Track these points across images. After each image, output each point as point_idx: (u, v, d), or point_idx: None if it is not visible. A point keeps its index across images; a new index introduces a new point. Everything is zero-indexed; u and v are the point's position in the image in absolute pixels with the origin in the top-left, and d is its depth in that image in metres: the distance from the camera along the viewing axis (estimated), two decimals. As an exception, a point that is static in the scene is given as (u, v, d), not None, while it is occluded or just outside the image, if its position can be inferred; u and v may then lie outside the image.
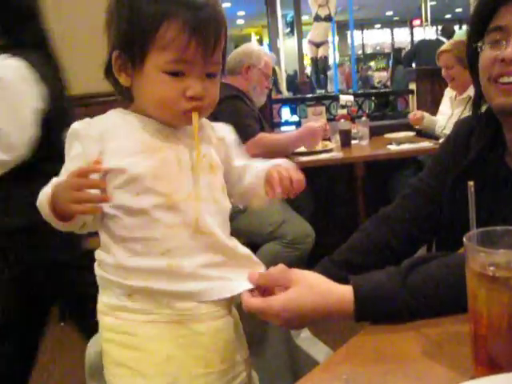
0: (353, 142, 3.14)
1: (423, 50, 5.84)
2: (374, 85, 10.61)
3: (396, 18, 16.93)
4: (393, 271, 0.81)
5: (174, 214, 0.82)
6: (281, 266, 0.87)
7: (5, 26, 1.51)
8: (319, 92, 8.01)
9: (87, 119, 0.85)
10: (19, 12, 1.52)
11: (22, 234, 1.50)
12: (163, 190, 0.82)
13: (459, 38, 4.22)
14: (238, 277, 0.86)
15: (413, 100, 4.16)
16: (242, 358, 0.91)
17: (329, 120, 3.39)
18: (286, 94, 8.10)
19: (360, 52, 16.12)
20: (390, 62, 10.70)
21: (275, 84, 5.76)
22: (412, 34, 15.93)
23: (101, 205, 0.80)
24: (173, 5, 0.79)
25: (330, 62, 9.43)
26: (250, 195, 0.97)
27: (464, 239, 0.61)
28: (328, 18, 8.09)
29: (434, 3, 12.63)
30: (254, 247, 1.85)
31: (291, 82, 10.34)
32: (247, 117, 2.53)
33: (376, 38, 17.92)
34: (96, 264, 0.87)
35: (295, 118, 4.34)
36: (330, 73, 9.25)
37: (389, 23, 17.47)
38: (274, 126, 3.94)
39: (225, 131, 0.96)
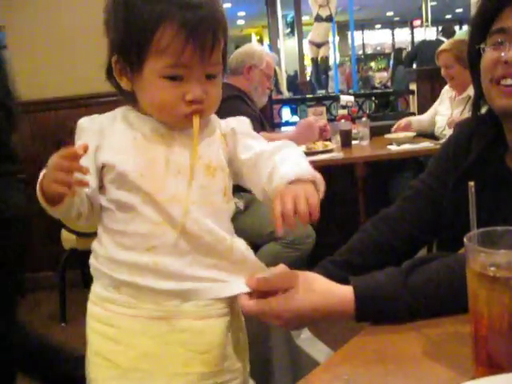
0: (353, 142, 3.14)
1: (424, 51, 5.84)
2: (374, 85, 10.60)
3: (396, 19, 16.89)
4: (393, 272, 0.82)
5: (158, 213, 0.83)
6: (281, 267, 0.87)
7: None
8: (320, 92, 8.02)
9: (94, 115, 0.89)
10: None
11: None
12: (147, 189, 0.82)
13: (459, 37, 4.22)
14: (232, 279, 0.86)
15: (413, 100, 4.15)
16: (235, 367, 0.89)
17: (329, 120, 3.39)
18: (286, 94, 8.09)
19: (360, 52, 16.07)
20: (391, 63, 10.70)
21: (276, 84, 5.76)
22: (412, 34, 15.88)
23: (78, 188, 0.78)
24: (168, 5, 0.78)
25: (331, 62, 9.44)
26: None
27: (464, 239, 0.61)
28: (329, 19, 8.10)
29: (434, 3, 12.61)
30: (255, 247, 1.85)
31: (292, 82, 10.35)
32: (248, 117, 2.52)
33: (376, 38, 17.87)
34: (91, 255, 0.89)
35: (296, 119, 4.34)
36: (330, 73, 9.26)
37: (389, 23, 17.43)
38: (275, 126, 3.93)
39: (234, 123, 0.96)
